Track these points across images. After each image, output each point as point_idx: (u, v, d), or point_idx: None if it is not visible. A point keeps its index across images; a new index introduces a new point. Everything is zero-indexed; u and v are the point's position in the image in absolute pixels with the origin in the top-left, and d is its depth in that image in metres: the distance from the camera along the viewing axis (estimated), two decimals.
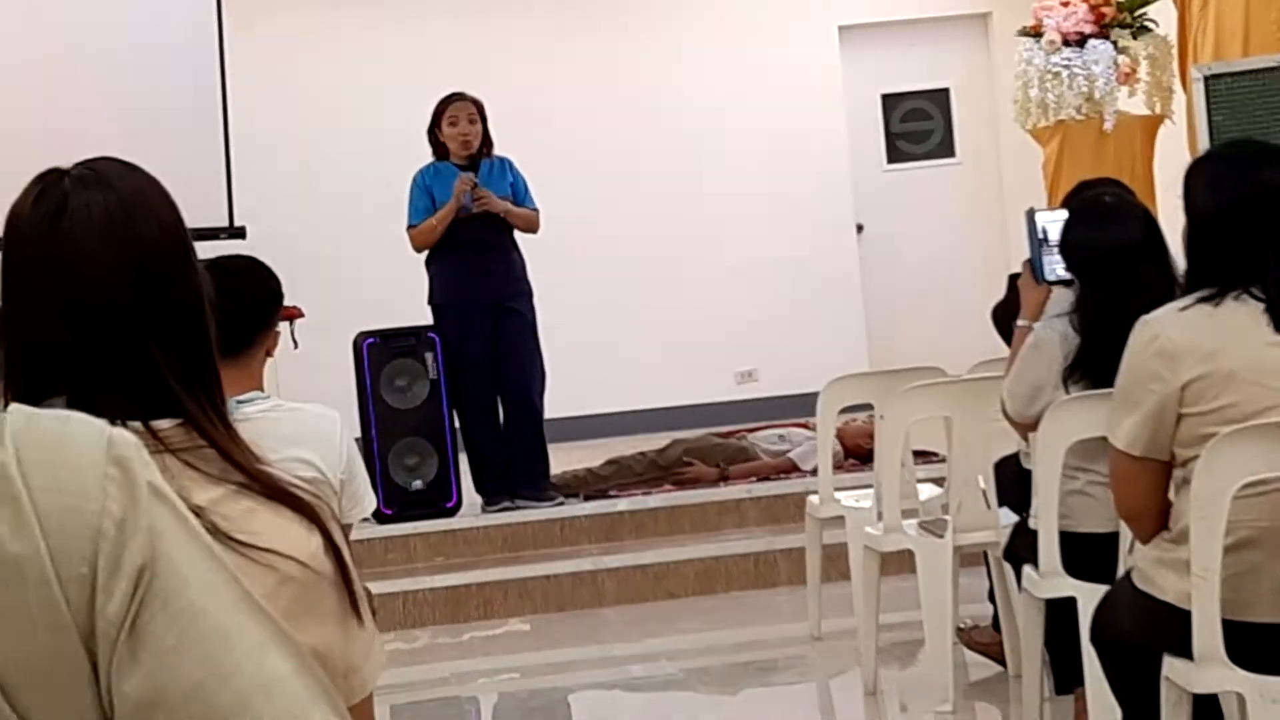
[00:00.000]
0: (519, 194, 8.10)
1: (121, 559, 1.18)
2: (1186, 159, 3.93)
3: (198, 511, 1.50)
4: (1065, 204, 5.09)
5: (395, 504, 7.97)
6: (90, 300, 1.68)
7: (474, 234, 7.94)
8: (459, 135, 8.01)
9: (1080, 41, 9.47)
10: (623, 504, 8.19)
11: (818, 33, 11.94)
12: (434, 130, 8.11)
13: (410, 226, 8.05)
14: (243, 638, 1.22)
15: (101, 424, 1.23)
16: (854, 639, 6.03)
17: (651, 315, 11.52)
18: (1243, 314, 3.48)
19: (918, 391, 5.51)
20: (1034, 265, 4.94)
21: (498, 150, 8.16)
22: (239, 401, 3.57)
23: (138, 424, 1.63)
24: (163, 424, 1.66)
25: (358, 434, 7.65)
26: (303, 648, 1.26)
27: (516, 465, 8.12)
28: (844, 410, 6.52)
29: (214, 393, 1.73)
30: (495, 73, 10.67)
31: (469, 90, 8.19)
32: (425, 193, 8.03)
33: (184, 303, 1.71)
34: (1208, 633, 3.37)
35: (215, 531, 1.54)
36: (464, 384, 8.07)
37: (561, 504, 8.16)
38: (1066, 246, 4.63)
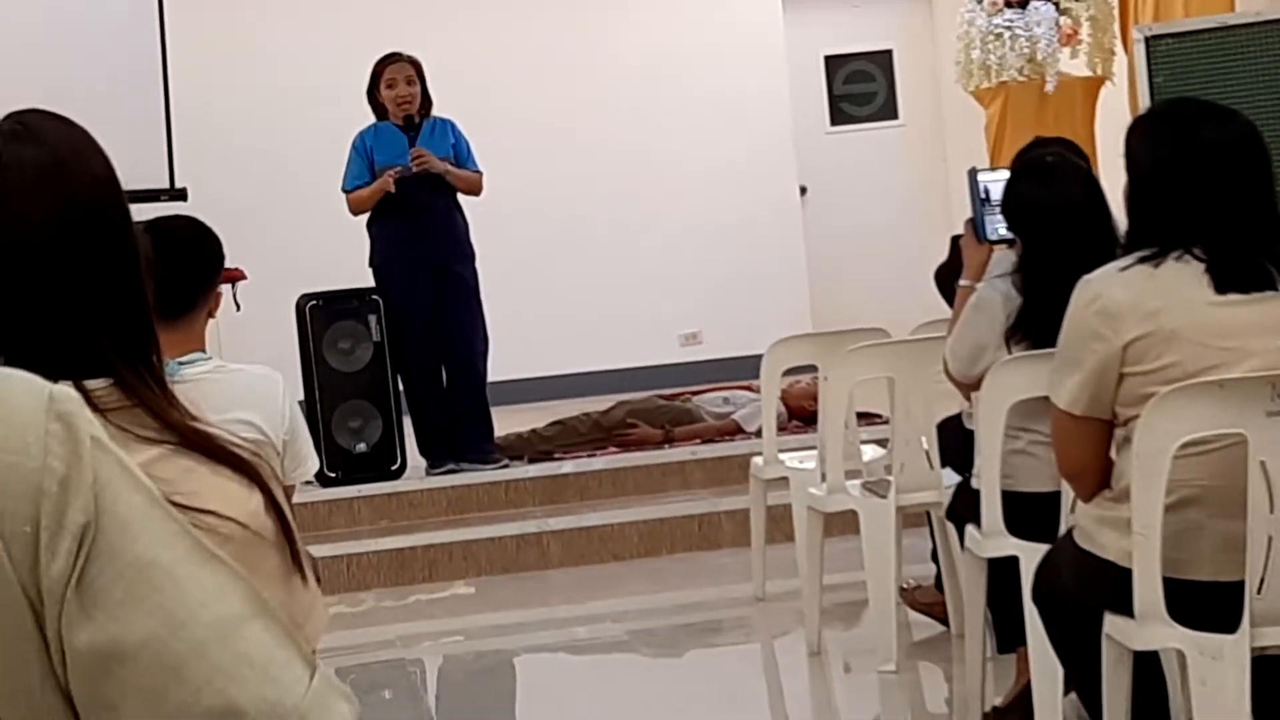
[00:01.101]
0: (461, 156, 8.06)
1: (65, 517, 1.18)
2: (1128, 120, 3.94)
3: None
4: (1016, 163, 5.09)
5: (339, 467, 7.94)
6: (23, 256, 1.65)
7: (415, 196, 7.90)
8: (396, 98, 7.97)
9: (1022, 3, 9.50)
10: (567, 466, 8.19)
11: None
12: (373, 91, 8.07)
13: (344, 190, 8.02)
14: (196, 586, 1.22)
15: (42, 381, 1.23)
16: (798, 600, 6.05)
17: (595, 278, 11.50)
18: (1184, 274, 3.49)
19: (861, 352, 5.52)
20: (976, 225, 4.95)
21: (439, 112, 8.12)
22: (181, 363, 3.55)
23: (68, 384, 1.61)
24: (95, 384, 1.64)
25: (301, 397, 7.63)
26: (261, 592, 1.26)
27: (460, 428, 8.10)
28: (788, 372, 6.53)
29: (149, 352, 1.71)
30: (435, 35, 10.61)
31: (410, 49, 8.15)
32: (363, 156, 7.99)
33: (119, 259, 1.68)
34: (1148, 590, 3.39)
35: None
36: (406, 347, 8.04)
37: (506, 466, 8.16)
38: (1008, 206, 4.64)
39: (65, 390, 1.23)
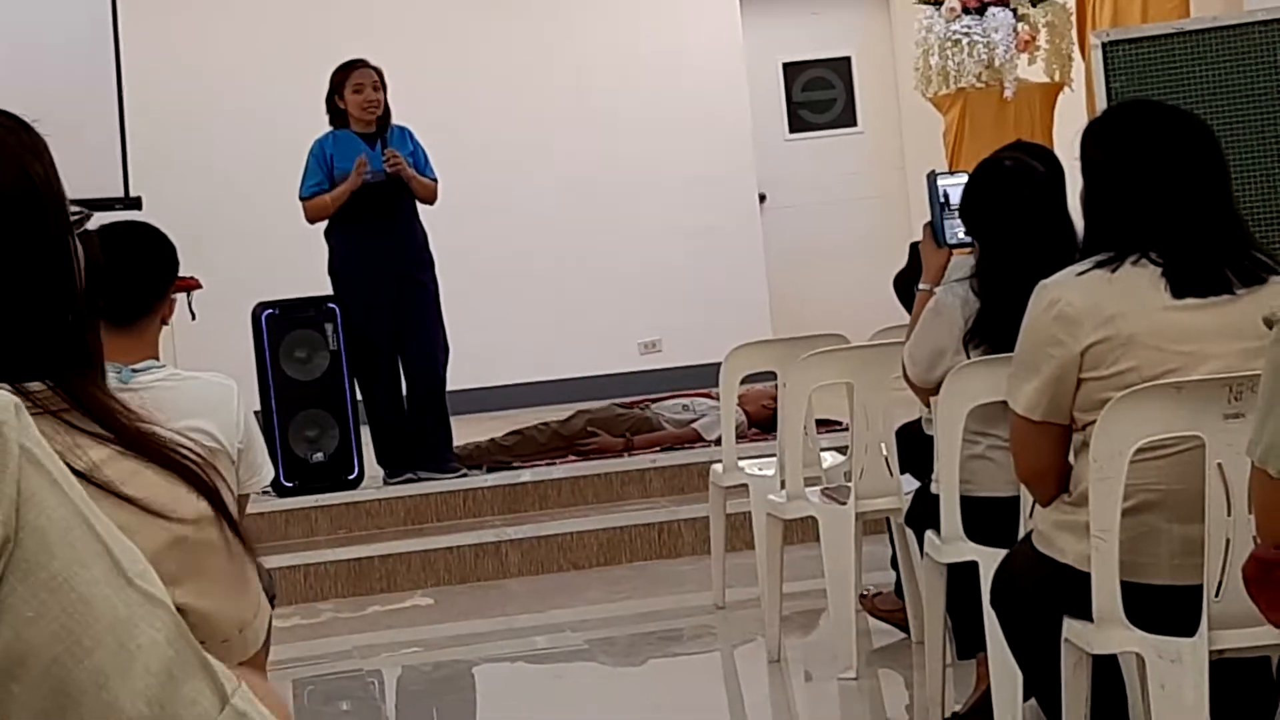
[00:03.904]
0: (419, 164, 8.03)
1: None
2: None
3: (90, 471, 1.46)
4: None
5: (296, 477, 7.90)
6: None
7: (376, 203, 7.87)
8: (364, 102, 7.93)
9: (980, 9, 9.53)
10: (526, 475, 8.16)
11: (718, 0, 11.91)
12: (333, 98, 8.02)
13: (302, 198, 7.97)
14: (108, 611, 1.19)
15: None
16: (758, 608, 6.03)
17: (554, 286, 11.48)
18: (1141, 278, 3.48)
19: (819, 358, 5.51)
20: (935, 229, 4.94)
21: (397, 119, 8.09)
22: (134, 370, 3.53)
23: (6, 386, 1.57)
24: (36, 386, 1.60)
25: (257, 407, 7.58)
26: (179, 620, 1.23)
27: (419, 437, 8.07)
28: (747, 379, 6.51)
29: (90, 356, 1.67)
30: (392, 42, 10.58)
31: (368, 55, 8.12)
32: (322, 164, 7.94)
33: (55, 261, 1.64)
34: (1107, 594, 3.39)
35: (108, 490, 1.50)
36: (365, 355, 8.01)
37: (464, 475, 8.12)
38: (966, 210, 4.64)
39: (2, 397, 1.20)
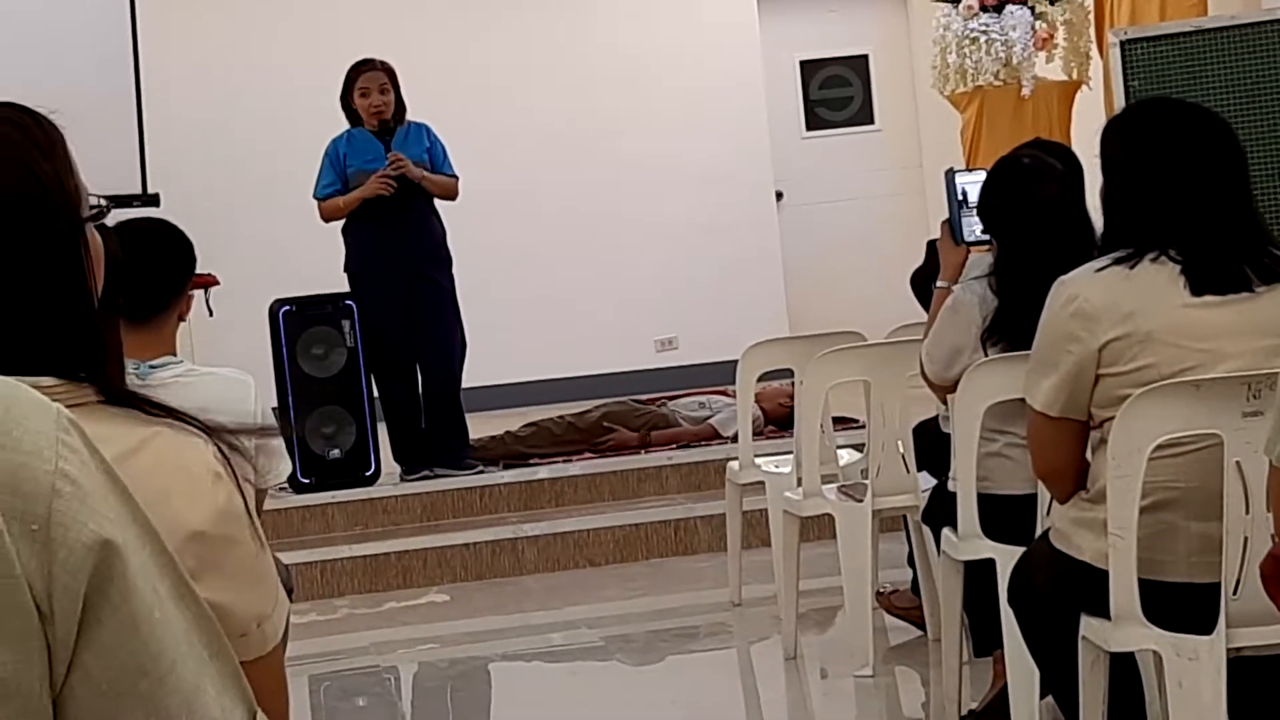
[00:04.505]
0: (437, 160, 8.03)
1: (79, 519, 1.18)
2: (1103, 125, 3.92)
3: None
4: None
5: (313, 473, 7.91)
6: None
7: (390, 201, 7.87)
8: (370, 107, 7.94)
9: (998, 7, 9.52)
10: (543, 472, 8.16)
11: None
12: (347, 97, 8.03)
13: (316, 198, 7.98)
14: (180, 623, 1.24)
15: (46, 397, 1.23)
16: (774, 605, 6.04)
17: (571, 283, 11.48)
18: (1160, 275, 3.48)
19: (836, 355, 5.50)
20: (952, 226, 4.94)
21: (415, 116, 8.09)
22: (151, 366, 3.53)
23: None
24: (46, 381, 1.57)
25: (274, 403, 7.60)
26: (219, 633, 1.28)
27: (435, 434, 8.07)
28: (764, 376, 6.50)
29: (107, 352, 1.65)
30: (409, 39, 10.59)
31: (383, 53, 8.12)
32: (335, 164, 7.95)
33: (65, 259, 1.61)
34: (1124, 592, 3.38)
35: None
36: (381, 352, 8.01)
37: (481, 472, 8.12)
38: (984, 208, 4.63)
39: (65, 409, 1.23)
